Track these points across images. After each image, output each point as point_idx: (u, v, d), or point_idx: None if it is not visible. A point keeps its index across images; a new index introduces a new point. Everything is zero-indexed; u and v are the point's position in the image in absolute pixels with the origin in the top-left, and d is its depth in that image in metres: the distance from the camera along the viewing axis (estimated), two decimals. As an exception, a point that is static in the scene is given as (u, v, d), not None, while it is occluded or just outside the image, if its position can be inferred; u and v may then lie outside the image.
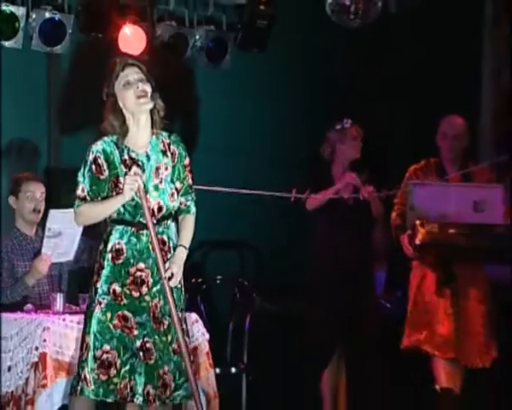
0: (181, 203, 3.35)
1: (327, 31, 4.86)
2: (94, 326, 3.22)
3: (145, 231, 3.26)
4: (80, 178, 3.28)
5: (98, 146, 3.26)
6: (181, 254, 3.29)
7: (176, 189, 3.32)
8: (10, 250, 4.10)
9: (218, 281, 4.56)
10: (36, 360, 3.52)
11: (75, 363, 3.49)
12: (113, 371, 3.21)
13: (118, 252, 3.26)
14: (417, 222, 4.22)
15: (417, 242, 4.23)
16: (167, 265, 3.25)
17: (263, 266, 5.42)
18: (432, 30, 5.51)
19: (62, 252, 3.94)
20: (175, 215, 3.36)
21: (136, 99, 3.22)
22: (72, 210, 3.44)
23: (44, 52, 4.89)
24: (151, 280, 3.27)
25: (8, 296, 3.98)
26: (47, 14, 4.83)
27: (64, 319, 3.63)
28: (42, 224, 4.18)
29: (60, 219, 3.86)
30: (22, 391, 3.52)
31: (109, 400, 3.25)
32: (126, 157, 3.27)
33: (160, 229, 3.28)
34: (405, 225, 4.38)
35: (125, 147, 3.28)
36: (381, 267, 5.09)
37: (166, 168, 3.31)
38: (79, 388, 3.20)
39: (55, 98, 5.00)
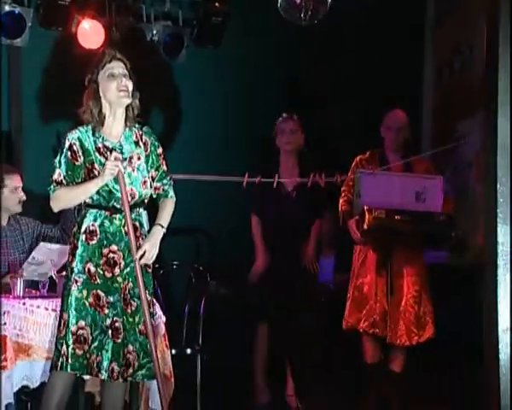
0: (158, 188, 3.51)
1: (279, 28, 4.99)
2: (71, 303, 3.34)
3: (118, 215, 3.40)
4: (56, 164, 3.39)
5: (73, 134, 3.39)
6: (156, 233, 3.43)
7: (151, 177, 3.48)
8: None
9: (174, 266, 4.64)
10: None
11: (35, 345, 3.61)
12: (86, 347, 3.34)
13: (91, 233, 3.39)
14: (365, 208, 4.40)
15: (365, 227, 4.40)
16: (140, 253, 3.38)
17: (217, 251, 5.53)
18: (376, 28, 5.66)
19: (36, 275, 4.03)
20: (147, 203, 3.50)
21: (117, 92, 3.36)
22: (59, 246, 3.56)
23: (5, 45, 4.95)
24: (123, 262, 3.40)
25: None
26: (7, 8, 4.88)
27: (24, 303, 3.66)
28: (14, 214, 4.28)
29: (45, 252, 3.97)
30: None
31: (83, 375, 3.39)
32: (100, 145, 3.40)
33: (133, 215, 3.42)
34: (353, 211, 4.56)
35: (100, 136, 3.41)
36: (329, 254, 5.25)
37: (139, 158, 3.45)
38: (60, 363, 3.32)
39: (15, 91, 5.07)
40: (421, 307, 4.59)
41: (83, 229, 3.41)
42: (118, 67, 3.40)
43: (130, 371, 3.40)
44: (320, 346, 4.95)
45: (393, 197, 4.51)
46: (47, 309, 3.69)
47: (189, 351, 4.39)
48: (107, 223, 3.41)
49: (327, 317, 4.92)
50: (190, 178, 4.56)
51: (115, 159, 3.33)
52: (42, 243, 4.00)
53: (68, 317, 3.35)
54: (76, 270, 3.38)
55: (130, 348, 3.39)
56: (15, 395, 3.60)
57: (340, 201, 4.69)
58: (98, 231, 3.40)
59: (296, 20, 4.33)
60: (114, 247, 3.41)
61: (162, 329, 3.93)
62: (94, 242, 3.40)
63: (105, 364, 3.37)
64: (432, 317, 4.63)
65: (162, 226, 3.47)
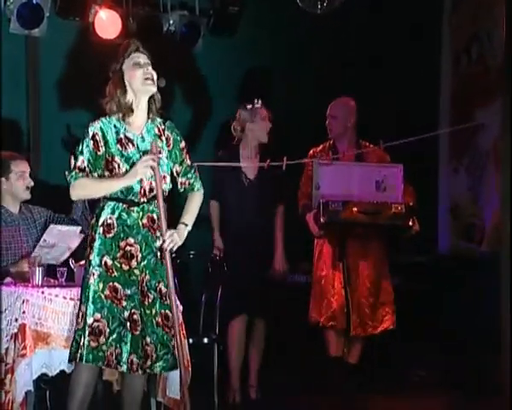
0: (183, 183, 3.54)
1: (295, 18, 4.99)
2: (88, 295, 3.37)
3: (135, 208, 3.42)
4: (78, 152, 3.40)
5: (96, 124, 3.42)
6: (181, 230, 3.46)
7: (175, 172, 3.51)
8: None
9: (191, 256, 4.64)
10: (15, 330, 3.59)
11: (53, 334, 3.65)
12: (102, 339, 3.36)
13: (108, 226, 3.41)
14: (322, 201, 4.37)
15: (322, 220, 4.38)
16: (169, 233, 3.40)
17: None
18: (392, 15, 5.64)
19: (50, 258, 4.07)
20: (167, 197, 3.51)
21: (143, 80, 3.39)
22: (68, 228, 3.57)
23: (23, 35, 4.97)
24: (140, 255, 3.42)
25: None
26: (25, -2, 4.89)
27: (43, 292, 3.68)
28: (26, 202, 4.31)
29: (56, 235, 4.00)
30: (2, 360, 3.58)
31: (98, 366, 3.41)
32: (122, 136, 3.42)
33: (151, 207, 3.44)
34: (311, 204, 4.53)
35: (122, 126, 3.43)
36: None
37: (160, 152, 3.46)
38: (78, 354, 3.36)
39: (33, 81, 5.10)
40: (378, 299, 4.58)
41: (100, 221, 3.43)
42: (143, 57, 3.44)
43: (149, 362, 3.43)
44: (281, 338, 4.94)
45: (352, 188, 4.49)
46: (65, 298, 3.72)
47: (205, 340, 4.41)
48: (124, 215, 3.42)
49: (295, 310, 4.90)
50: (210, 165, 4.56)
51: (151, 156, 3.34)
52: (52, 225, 4.03)
53: (86, 309, 3.38)
54: (93, 262, 3.40)
55: (148, 339, 3.42)
56: (34, 383, 3.63)
57: (299, 194, 4.66)
58: (115, 224, 3.42)
59: (312, 8, 4.33)
60: (131, 240, 3.43)
61: (179, 318, 3.86)
62: (111, 235, 3.42)
63: (124, 356, 3.40)
64: (392, 308, 4.61)
65: (186, 225, 3.49)
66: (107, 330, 3.38)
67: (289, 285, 5.02)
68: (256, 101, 4.68)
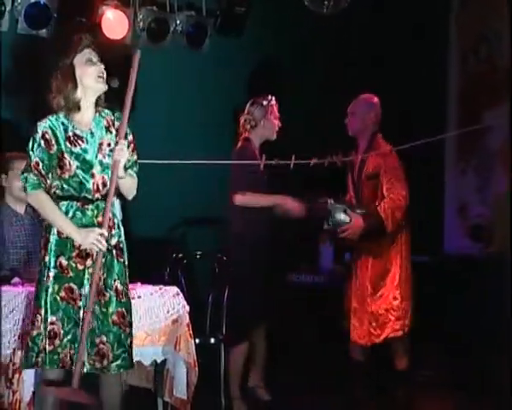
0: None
1: (301, 18, 4.99)
2: (44, 298, 3.32)
3: (90, 206, 3.35)
4: (31, 153, 3.34)
5: (45, 123, 3.35)
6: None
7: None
8: (1, 225, 4.22)
9: (197, 256, 4.64)
10: (23, 331, 3.55)
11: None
12: (57, 342, 3.30)
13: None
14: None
15: None
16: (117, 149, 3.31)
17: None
18: (399, 13, 5.64)
19: None
20: (118, 191, 3.45)
21: (96, 77, 3.35)
22: None
23: (30, 35, 4.97)
24: (95, 253, 3.35)
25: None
26: (32, -2, 4.90)
27: (50, 292, 3.70)
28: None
29: None
30: (10, 360, 3.57)
31: (52, 369, 3.34)
32: (71, 134, 3.36)
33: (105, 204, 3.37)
34: None
35: (70, 123, 3.37)
36: (326, 239, 5.20)
37: (109, 144, 3.40)
38: (40, 359, 3.30)
39: (35, 81, 5.11)
40: (381, 305, 4.58)
41: None
42: (95, 54, 3.38)
43: (105, 362, 3.35)
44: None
45: None
46: (72, 298, 3.71)
47: (212, 340, 4.40)
48: (79, 214, 3.36)
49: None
50: (214, 163, 4.54)
51: (101, 235, 3.29)
52: None
53: (43, 313, 3.33)
54: (49, 264, 3.35)
55: (104, 338, 3.35)
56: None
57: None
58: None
59: (319, 8, 4.32)
60: None
61: (186, 318, 3.94)
62: (65, 235, 3.35)
63: (76, 356, 3.33)
64: (395, 314, 4.59)
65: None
66: (62, 332, 3.32)
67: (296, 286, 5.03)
68: (270, 97, 4.66)
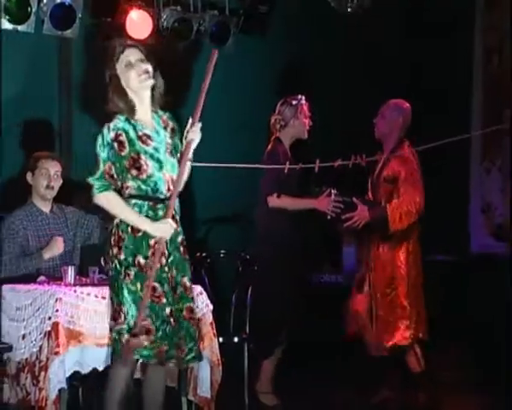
0: None
1: (325, 17, 4.99)
2: (126, 296, 3.34)
3: (160, 205, 3.39)
4: (102, 155, 3.35)
5: (117, 123, 3.36)
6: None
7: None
8: (25, 224, 4.26)
9: (221, 255, 4.65)
10: (49, 328, 3.61)
11: (86, 332, 3.67)
12: (151, 337, 3.34)
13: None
14: None
15: None
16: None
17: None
18: (424, 13, 5.61)
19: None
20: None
21: (138, 77, 3.35)
22: None
23: (55, 36, 5.01)
24: (166, 252, 3.40)
25: (21, 267, 4.15)
26: (58, -1, 4.95)
27: (75, 291, 3.70)
28: (57, 201, 4.36)
29: None
30: (36, 358, 3.62)
31: (151, 362, 3.39)
32: (141, 134, 3.39)
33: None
34: None
35: (137, 124, 3.39)
36: (350, 241, 5.20)
37: (169, 143, 3.45)
38: (140, 353, 3.34)
39: (65, 81, 5.15)
40: (390, 312, 4.58)
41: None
42: (133, 54, 3.38)
43: (182, 355, 3.42)
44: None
45: None
46: (97, 296, 3.74)
47: (236, 339, 4.41)
48: (151, 213, 3.39)
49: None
50: (240, 166, 4.56)
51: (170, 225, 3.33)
52: None
53: (126, 310, 3.35)
54: (126, 263, 3.37)
55: (181, 333, 3.41)
56: (67, 381, 3.66)
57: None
58: None
59: (342, 7, 4.32)
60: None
61: (210, 317, 3.96)
62: (140, 233, 3.38)
63: (173, 352, 3.39)
64: (405, 323, 4.56)
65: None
66: (153, 328, 3.36)
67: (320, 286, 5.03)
68: (300, 96, 4.67)
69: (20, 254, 4.19)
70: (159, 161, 3.39)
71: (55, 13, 4.92)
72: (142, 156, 3.36)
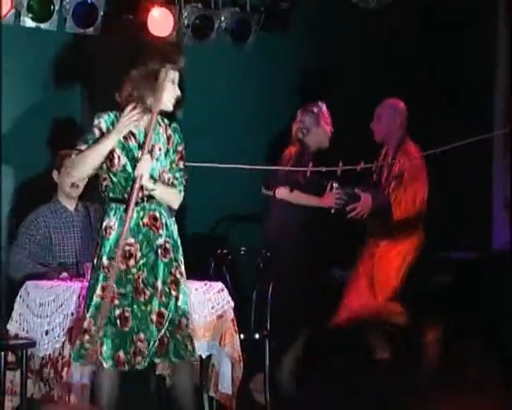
0: (169, 179, 3.48)
1: (345, 15, 4.97)
2: (90, 297, 3.40)
3: (136, 208, 3.40)
4: (84, 141, 3.42)
5: (103, 115, 3.44)
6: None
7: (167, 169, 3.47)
8: (48, 220, 4.31)
9: (242, 252, 4.66)
10: (71, 325, 3.64)
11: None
12: (86, 337, 3.37)
13: (110, 228, 3.42)
14: None
15: None
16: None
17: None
18: (448, 11, 5.56)
19: None
20: None
21: (170, 97, 3.42)
22: None
23: (78, 34, 5.03)
24: (139, 254, 3.41)
25: (29, 268, 4.18)
26: (80, -3, 4.95)
27: (97, 287, 3.75)
28: (82, 200, 4.41)
29: None
30: (59, 354, 3.66)
31: (79, 363, 3.43)
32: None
33: (153, 206, 3.43)
34: None
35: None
36: None
37: (160, 149, 3.46)
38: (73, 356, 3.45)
39: (88, 79, 5.18)
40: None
41: (104, 225, 3.45)
42: (176, 76, 3.44)
43: (139, 358, 3.39)
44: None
45: None
46: (118, 293, 3.76)
47: (257, 336, 4.41)
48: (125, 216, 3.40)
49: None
50: (260, 168, 4.59)
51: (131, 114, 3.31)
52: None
53: (86, 311, 3.42)
54: (96, 266, 3.43)
55: (142, 336, 3.39)
56: (90, 376, 3.67)
57: None
58: (116, 226, 3.42)
59: (364, 3, 4.30)
60: (131, 239, 3.41)
61: (231, 314, 3.98)
62: (112, 236, 3.41)
63: (109, 352, 3.38)
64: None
65: (156, 180, 3.41)
66: (93, 328, 3.37)
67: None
68: (320, 104, 4.68)
69: (35, 253, 4.22)
70: (135, 159, 3.40)
71: (78, 11, 4.94)
72: (117, 150, 3.40)
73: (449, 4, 5.53)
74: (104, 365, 3.38)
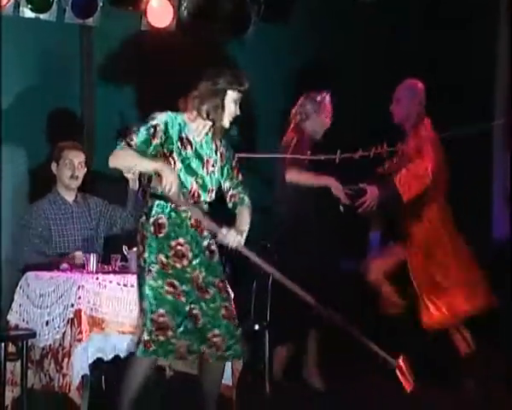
0: (234, 196, 3.59)
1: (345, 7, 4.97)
2: (147, 292, 3.42)
3: (184, 208, 3.46)
4: (136, 131, 3.43)
5: (162, 116, 3.46)
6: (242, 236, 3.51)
7: (225, 188, 3.57)
8: (47, 212, 4.31)
9: (242, 243, 4.71)
10: (71, 316, 3.68)
11: (108, 319, 3.72)
12: (169, 333, 3.42)
13: (160, 226, 3.45)
14: None
15: None
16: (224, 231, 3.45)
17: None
18: (448, 6, 5.56)
19: None
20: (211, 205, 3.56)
21: (228, 115, 3.47)
22: None
23: (77, 24, 5.03)
24: (190, 254, 3.48)
25: (35, 258, 4.18)
26: (79, -13, 4.94)
27: (97, 278, 3.75)
28: (81, 191, 4.41)
29: None
30: (59, 345, 3.69)
31: (169, 359, 3.52)
32: (184, 136, 3.47)
33: (196, 209, 3.47)
34: None
35: (186, 126, 3.48)
36: (377, 227, 5.20)
37: (213, 165, 3.53)
38: (138, 349, 3.43)
39: (87, 70, 5.18)
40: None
41: (151, 220, 3.46)
42: (239, 97, 3.49)
43: (220, 352, 3.49)
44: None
45: None
46: (119, 284, 3.79)
47: (257, 327, 4.44)
48: (173, 215, 3.47)
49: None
50: (258, 157, 4.58)
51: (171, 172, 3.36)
52: None
53: (147, 305, 3.43)
54: (149, 260, 3.44)
55: (217, 331, 3.48)
56: (90, 367, 3.70)
57: None
58: (166, 224, 3.46)
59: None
60: (181, 239, 3.47)
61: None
62: (162, 234, 3.46)
63: (195, 346, 3.47)
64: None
65: (243, 230, 3.52)
66: (173, 323, 3.43)
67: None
68: (324, 93, 4.68)
69: (37, 244, 4.22)
70: (190, 168, 3.47)
71: (77, 1, 4.94)
72: (175, 155, 3.46)
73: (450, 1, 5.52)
74: (190, 358, 3.50)
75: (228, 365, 3.88)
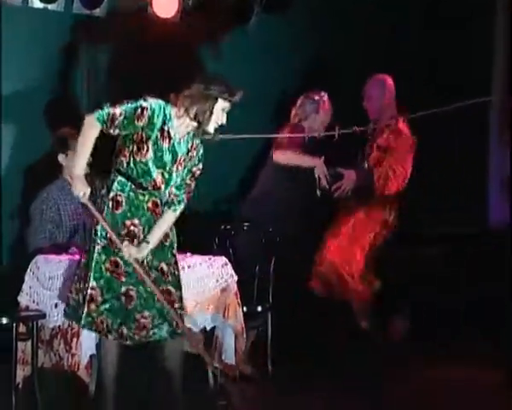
0: (172, 195, 3.55)
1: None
2: (92, 264, 3.47)
3: (143, 191, 3.49)
4: (121, 106, 3.41)
5: (153, 102, 3.46)
6: (142, 248, 3.46)
7: (176, 183, 3.54)
8: (56, 197, 4.37)
9: (245, 227, 4.75)
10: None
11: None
12: (92, 307, 3.46)
13: (117, 203, 3.48)
14: None
15: None
16: (125, 244, 3.45)
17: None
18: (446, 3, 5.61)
19: None
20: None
21: (214, 121, 3.49)
22: None
23: (84, 15, 5.07)
24: (141, 236, 3.50)
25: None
26: (86, -22, 4.98)
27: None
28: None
29: None
30: (68, 325, 3.75)
31: (88, 329, 3.53)
32: (166, 128, 3.48)
33: (156, 193, 3.51)
34: None
35: (171, 121, 3.48)
36: None
37: (183, 163, 3.54)
38: (78, 317, 3.53)
39: (93, 60, 5.22)
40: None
41: (111, 195, 3.48)
42: (227, 107, 3.51)
43: (144, 333, 3.52)
44: None
45: None
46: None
47: (259, 309, 4.49)
48: (132, 195, 3.48)
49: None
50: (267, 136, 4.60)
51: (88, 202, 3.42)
52: None
53: (89, 277, 3.48)
54: (99, 234, 3.48)
55: (146, 313, 3.51)
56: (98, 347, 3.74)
57: None
58: (124, 202, 3.49)
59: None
60: (136, 220, 3.49)
61: (234, 287, 4.07)
62: (119, 211, 3.48)
63: (114, 326, 3.50)
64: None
65: (148, 243, 3.50)
66: (100, 299, 3.47)
67: None
68: (322, 93, 4.76)
69: (50, 229, 4.31)
70: (160, 160, 3.48)
71: (84, -8, 4.99)
72: (150, 143, 3.45)
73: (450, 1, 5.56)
74: (109, 337, 3.50)
75: (231, 344, 4.00)
